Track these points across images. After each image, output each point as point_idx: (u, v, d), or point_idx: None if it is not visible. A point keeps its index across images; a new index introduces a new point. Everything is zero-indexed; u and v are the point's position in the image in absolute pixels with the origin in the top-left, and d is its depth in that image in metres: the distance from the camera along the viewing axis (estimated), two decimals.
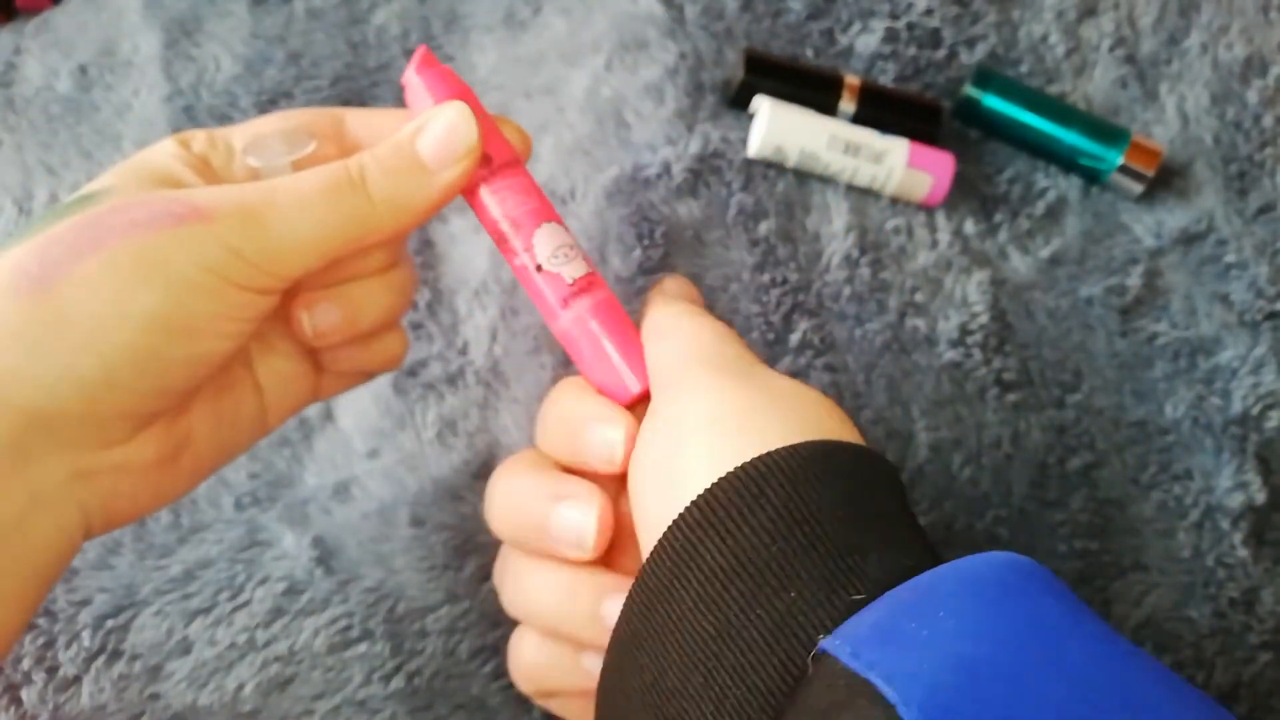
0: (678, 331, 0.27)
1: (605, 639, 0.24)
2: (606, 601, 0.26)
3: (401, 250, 0.29)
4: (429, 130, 0.26)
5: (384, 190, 0.25)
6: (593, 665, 0.27)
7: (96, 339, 0.22)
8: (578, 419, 0.27)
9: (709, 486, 0.22)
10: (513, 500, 0.28)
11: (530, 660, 0.29)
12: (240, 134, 0.28)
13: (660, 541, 0.23)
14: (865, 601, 0.20)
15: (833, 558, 0.21)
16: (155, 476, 0.25)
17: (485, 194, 0.27)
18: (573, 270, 0.27)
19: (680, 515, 0.23)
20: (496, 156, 0.27)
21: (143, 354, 0.23)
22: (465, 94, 0.27)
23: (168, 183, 0.25)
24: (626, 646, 0.23)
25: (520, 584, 0.28)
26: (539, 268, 0.27)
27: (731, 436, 0.24)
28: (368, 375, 0.32)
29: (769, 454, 0.23)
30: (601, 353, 0.27)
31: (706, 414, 0.25)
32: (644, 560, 0.23)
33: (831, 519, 0.22)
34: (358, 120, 0.29)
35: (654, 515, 0.24)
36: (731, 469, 0.22)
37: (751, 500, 0.22)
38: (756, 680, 0.20)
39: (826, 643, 0.20)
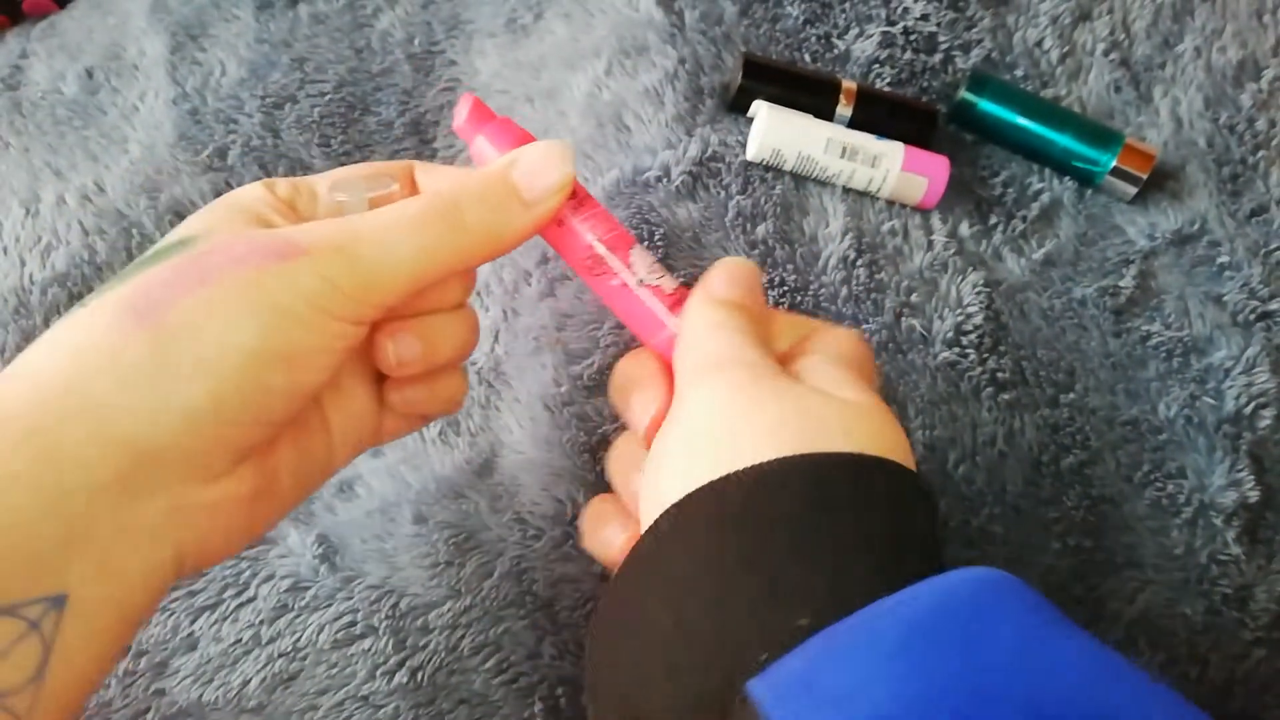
0: (703, 340, 0.27)
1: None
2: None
3: (469, 289, 0.30)
4: (524, 163, 0.27)
5: (480, 219, 0.26)
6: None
7: (203, 371, 0.23)
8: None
9: (679, 500, 0.23)
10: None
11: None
12: (322, 180, 0.29)
13: (634, 546, 0.24)
14: (806, 629, 0.20)
15: (771, 583, 0.21)
16: (246, 513, 0.25)
17: (576, 223, 0.28)
18: (669, 283, 0.29)
19: (652, 524, 0.24)
20: (575, 189, 0.28)
21: (248, 385, 0.23)
22: (528, 139, 0.28)
23: (258, 223, 0.26)
24: (605, 628, 0.25)
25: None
26: (641, 283, 0.29)
27: (710, 447, 0.24)
28: (427, 418, 0.32)
29: (732, 474, 0.23)
30: None
31: (700, 422, 0.25)
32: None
33: (782, 540, 0.22)
34: (425, 174, 0.30)
35: (644, 512, 0.25)
36: (700, 483, 0.23)
37: (709, 516, 0.23)
38: (704, 687, 0.21)
39: (753, 685, 0.20)
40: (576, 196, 0.28)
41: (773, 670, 0.20)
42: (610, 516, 0.29)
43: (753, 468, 0.23)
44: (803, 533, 0.22)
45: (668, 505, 0.24)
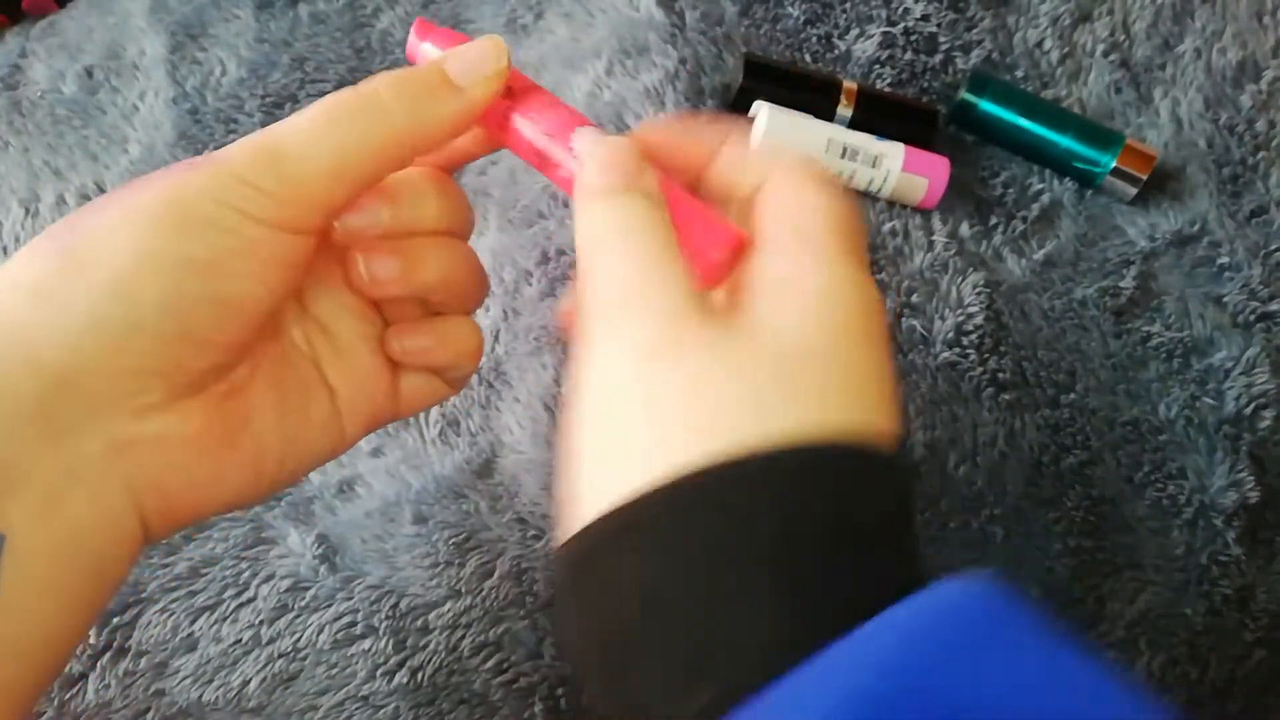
0: (599, 266, 0.23)
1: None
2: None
3: (457, 216, 0.28)
4: (457, 55, 0.26)
5: (404, 107, 0.24)
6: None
7: (118, 283, 0.22)
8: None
9: (584, 526, 0.20)
10: None
11: None
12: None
13: (560, 550, 0.22)
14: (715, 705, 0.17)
15: (692, 633, 0.19)
16: (210, 459, 0.24)
17: (517, 120, 0.26)
18: None
19: (571, 540, 0.21)
20: (516, 84, 0.27)
21: (165, 294, 0.22)
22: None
23: None
24: (564, 588, 0.22)
25: None
26: None
27: (618, 444, 0.21)
28: (443, 373, 0.30)
29: (648, 494, 0.20)
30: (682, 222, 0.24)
31: (604, 403, 0.22)
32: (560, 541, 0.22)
33: (697, 589, 0.19)
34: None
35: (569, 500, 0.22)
36: (616, 502, 0.20)
37: (623, 544, 0.20)
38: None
39: None
40: (520, 94, 0.26)
41: None
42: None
43: (663, 488, 0.19)
44: (712, 585, 0.19)
45: (584, 515, 0.20)
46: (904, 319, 0.41)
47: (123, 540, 0.23)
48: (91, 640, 0.35)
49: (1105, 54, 0.47)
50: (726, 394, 0.20)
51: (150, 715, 0.34)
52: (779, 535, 0.19)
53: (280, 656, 0.35)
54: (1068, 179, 0.45)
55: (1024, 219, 0.44)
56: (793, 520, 0.19)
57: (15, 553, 0.20)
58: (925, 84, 0.45)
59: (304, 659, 0.35)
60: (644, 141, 0.25)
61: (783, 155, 0.25)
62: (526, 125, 0.26)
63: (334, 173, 0.24)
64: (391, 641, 0.35)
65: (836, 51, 0.45)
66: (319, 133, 0.24)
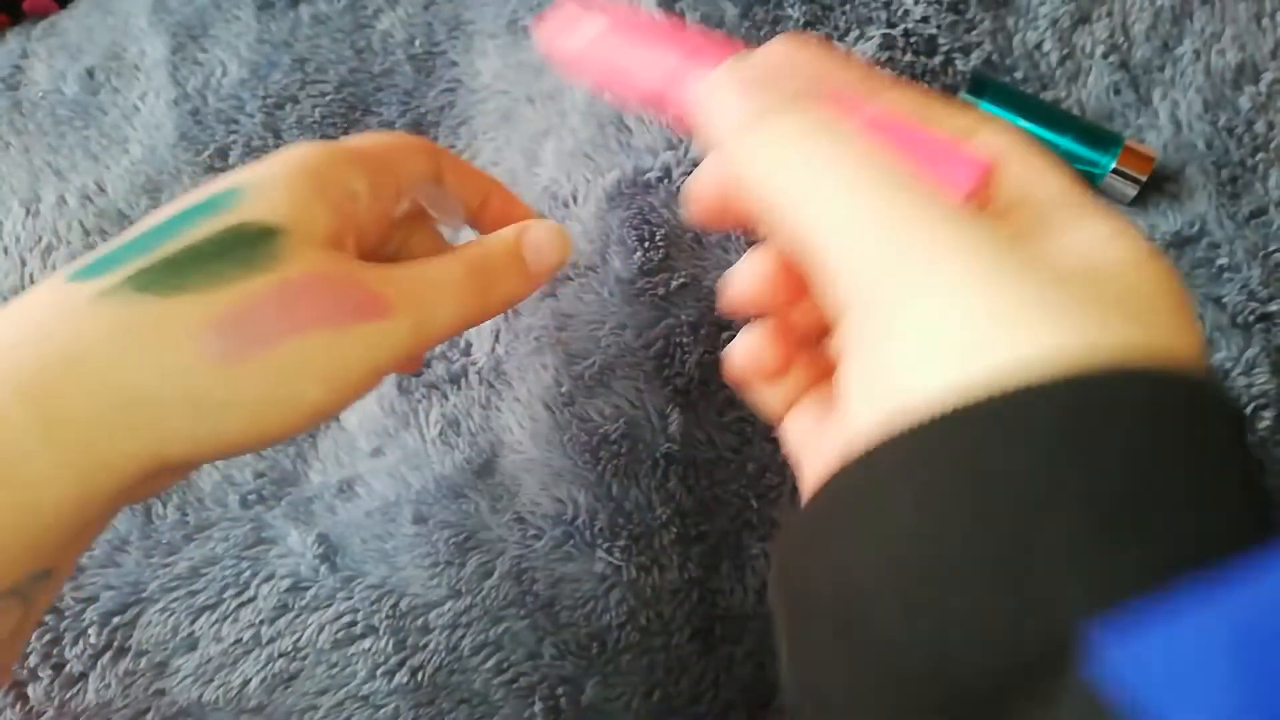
0: (834, 191, 0.19)
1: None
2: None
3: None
4: (532, 240, 0.28)
5: (503, 288, 0.27)
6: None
7: (258, 420, 0.23)
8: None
9: (941, 409, 0.17)
10: None
11: None
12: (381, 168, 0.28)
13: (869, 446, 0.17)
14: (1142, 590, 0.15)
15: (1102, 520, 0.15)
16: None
17: (626, 69, 0.25)
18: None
19: (896, 434, 0.17)
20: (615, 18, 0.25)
21: (276, 436, 0.24)
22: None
23: (337, 215, 0.25)
24: (813, 524, 0.19)
25: None
26: None
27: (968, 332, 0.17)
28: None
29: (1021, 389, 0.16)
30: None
31: (933, 330, 0.18)
32: (846, 437, 0.18)
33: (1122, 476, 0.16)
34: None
35: (860, 407, 0.19)
36: (977, 389, 0.16)
37: (1005, 427, 0.16)
38: (981, 641, 0.15)
39: (1097, 664, 0.14)
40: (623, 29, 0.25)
41: (1121, 650, 0.14)
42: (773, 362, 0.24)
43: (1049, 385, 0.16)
44: (1134, 477, 0.16)
45: (909, 413, 0.17)
46: None
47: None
48: (92, 640, 0.35)
49: (1104, 55, 0.47)
50: (1051, 296, 0.17)
51: (151, 715, 0.34)
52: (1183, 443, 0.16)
53: (280, 656, 0.35)
54: None
55: None
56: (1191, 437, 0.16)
57: (54, 578, 0.23)
58: (925, 85, 0.46)
59: (304, 658, 0.35)
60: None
61: (991, 121, 0.22)
62: (637, 73, 0.24)
63: (443, 339, 0.28)
64: (391, 641, 0.35)
65: None
66: (450, 303, 0.26)
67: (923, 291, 0.18)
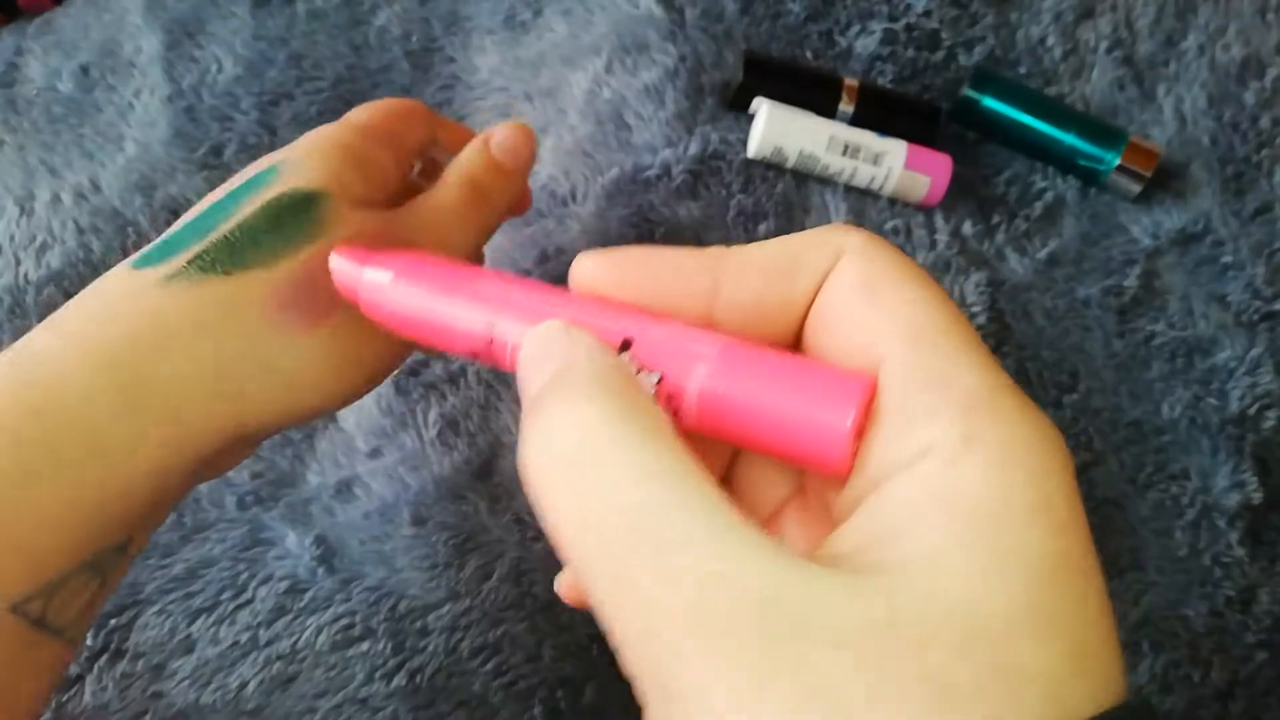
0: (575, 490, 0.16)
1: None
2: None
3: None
4: (498, 142, 0.30)
5: (494, 197, 0.29)
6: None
7: (322, 384, 0.25)
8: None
9: None
10: None
11: None
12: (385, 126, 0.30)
13: None
14: None
15: None
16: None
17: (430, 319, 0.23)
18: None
19: None
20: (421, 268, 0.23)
21: (348, 396, 0.26)
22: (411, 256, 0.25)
23: (365, 180, 0.27)
24: None
25: None
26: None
27: None
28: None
29: None
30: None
31: None
32: None
33: None
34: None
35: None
36: None
37: None
38: None
39: None
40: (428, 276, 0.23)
41: None
42: None
43: None
44: None
45: None
46: None
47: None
48: (89, 642, 0.35)
49: (1108, 50, 0.46)
50: (902, 694, 0.13)
51: (148, 717, 0.34)
52: None
53: (278, 658, 0.35)
54: (1071, 176, 0.44)
55: (1027, 217, 0.44)
56: None
57: (130, 550, 0.24)
58: (927, 81, 0.45)
59: (302, 661, 0.35)
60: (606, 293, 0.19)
61: (829, 238, 0.18)
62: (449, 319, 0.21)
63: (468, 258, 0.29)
64: (390, 643, 0.35)
65: (838, 48, 0.45)
66: (460, 227, 0.28)
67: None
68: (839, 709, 0.13)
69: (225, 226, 0.24)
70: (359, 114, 0.29)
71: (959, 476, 0.15)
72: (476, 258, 0.31)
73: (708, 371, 0.17)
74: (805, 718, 0.13)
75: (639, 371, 0.17)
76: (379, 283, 0.23)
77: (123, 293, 0.24)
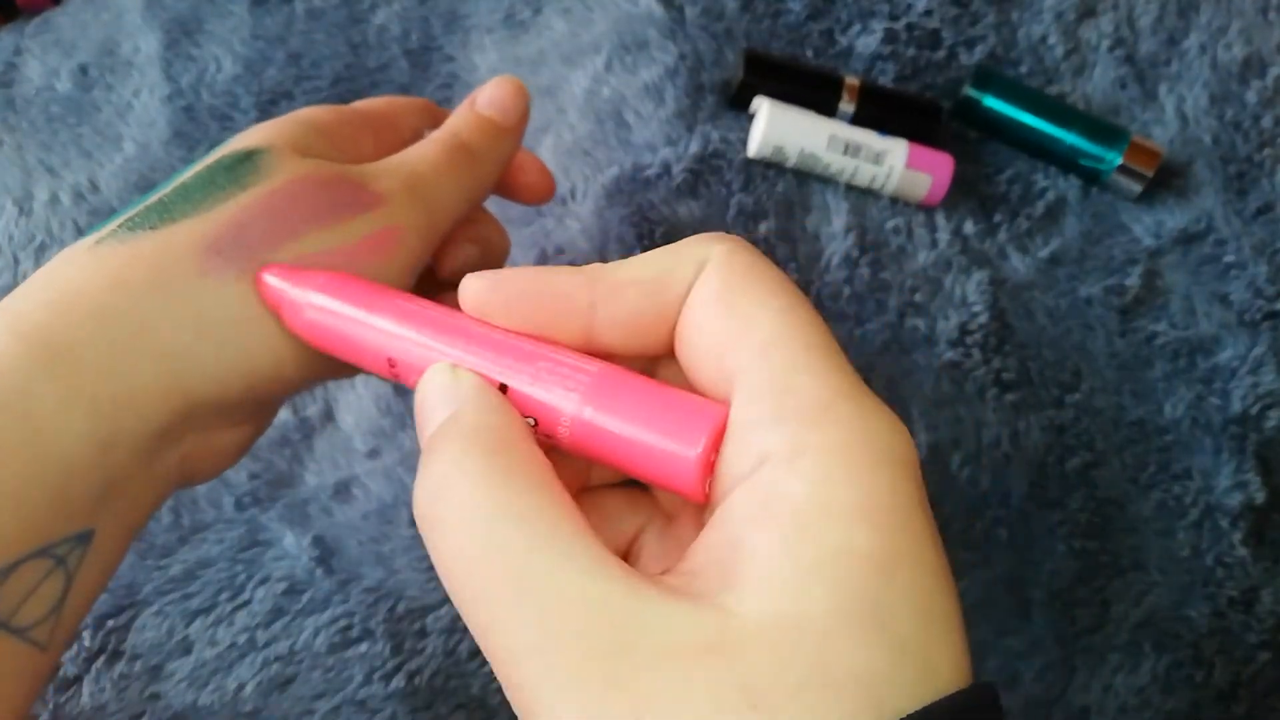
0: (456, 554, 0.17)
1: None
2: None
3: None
4: (486, 98, 0.28)
5: (486, 156, 0.27)
6: None
7: (270, 341, 0.22)
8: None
9: None
10: None
11: None
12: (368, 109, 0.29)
13: None
14: None
15: None
16: (244, 449, 0.25)
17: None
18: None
19: None
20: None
21: (306, 361, 0.23)
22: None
23: (327, 142, 0.25)
24: None
25: None
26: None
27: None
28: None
29: None
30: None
31: None
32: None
33: None
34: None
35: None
36: None
37: None
38: None
39: None
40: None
41: None
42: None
43: None
44: None
45: None
46: (907, 318, 0.41)
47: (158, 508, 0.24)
48: (86, 643, 0.34)
49: (1110, 49, 0.46)
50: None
51: (145, 719, 0.34)
52: None
53: (276, 660, 0.34)
54: (1073, 175, 0.44)
55: (1029, 216, 0.43)
56: None
57: (96, 544, 0.21)
58: (928, 80, 0.45)
59: (300, 662, 0.34)
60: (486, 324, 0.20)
61: (684, 253, 0.19)
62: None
63: (459, 215, 0.27)
64: (388, 645, 0.35)
65: (838, 47, 0.45)
66: (449, 179, 0.26)
67: None
68: None
69: (164, 191, 0.23)
70: (356, 103, 0.28)
71: (785, 483, 0.16)
72: (464, 217, 0.28)
73: (574, 409, 0.18)
74: None
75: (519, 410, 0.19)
76: (297, 303, 0.22)
77: (58, 262, 0.22)
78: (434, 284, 0.31)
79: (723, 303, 0.18)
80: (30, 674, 0.21)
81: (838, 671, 0.14)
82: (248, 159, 0.24)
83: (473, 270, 0.25)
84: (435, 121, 0.30)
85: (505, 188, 0.31)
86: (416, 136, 0.29)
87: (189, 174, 0.24)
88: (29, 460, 0.20)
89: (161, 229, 0.22)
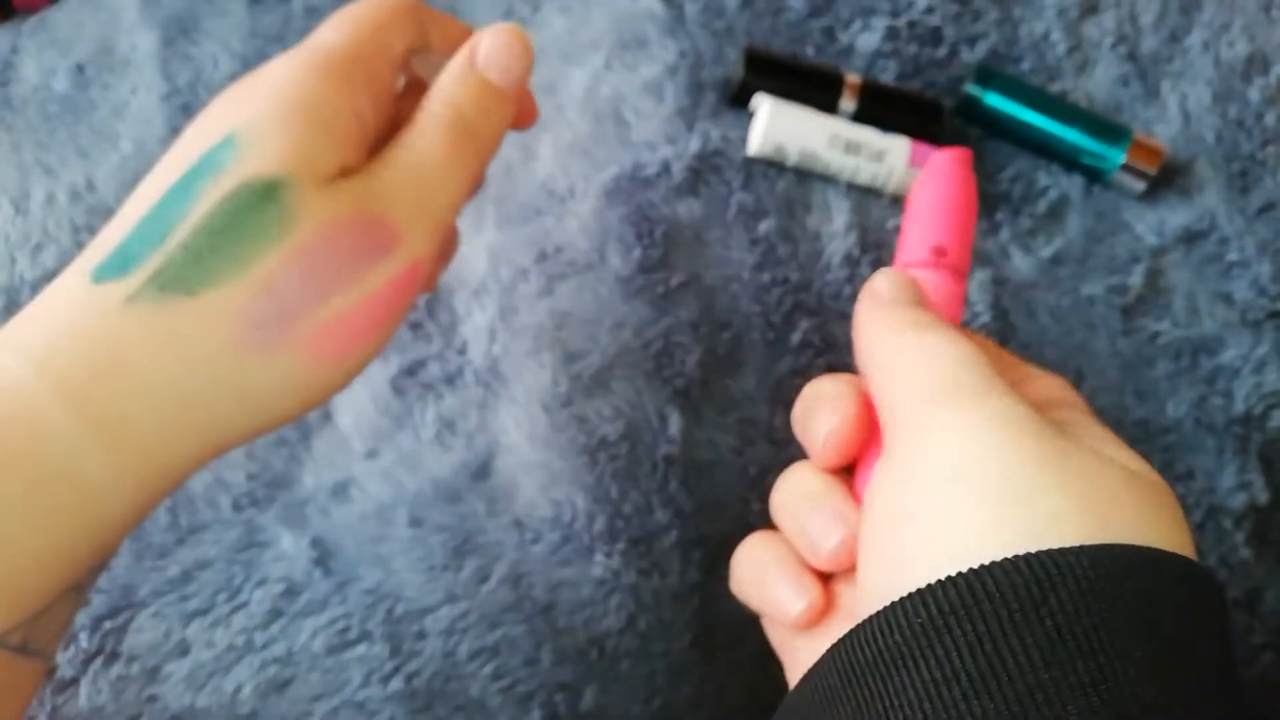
0: (912, 360, 0.23)
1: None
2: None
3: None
4: (484, 55, 0.26)
5: (487, 129, 0.26)
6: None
7: (308, 393, 0.23)
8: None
9: (951, 576, 0.18)
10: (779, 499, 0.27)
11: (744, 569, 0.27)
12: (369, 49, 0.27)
13: (878, 620, 0.19)
14: None
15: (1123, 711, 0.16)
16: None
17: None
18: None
19: (904, 601, 0.19)
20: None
21: (321, 400, 0.24)
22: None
23: (335, 146, 0.24)
24: (815, 704, 0.20)
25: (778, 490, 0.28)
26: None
27: (981, 504, 0.19)
28: None
29: (1051, 552, 0.18)
30: None
31: (957, 467, 0.20)
32: (857, 623, 0.20)
33: (1130, 662, 0.17)
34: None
35: (876, 574, 0.21)
36: (983, 561, 0.18)
37: (1021, 606, 0.17)
38: None
39: None
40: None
41: None
42: (778, 565, 0.25)
43: (1058, 553, 0.18)
44: (1151, 663, 0.17)
45: (926, 577, 0.18)
46: None
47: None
48: (84, 645, 0.34)
49: (1112, 46, 0.46)
50: (1093, 493, 0.20)
51: None
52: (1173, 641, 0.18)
53: (274, 662, 0.34)
54: (1075, 174, 0.44)
55: (1031, 214, 0.43)
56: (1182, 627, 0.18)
57: (105, 564, 0.24)
58: (930, 77, 0.45)
59: (298, 664, 0.34)
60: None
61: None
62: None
63: (460, 206, 0.26)
64: (387, 646, 0.34)
65: (839, 44, 0.45)
66: (450, 173, 0.25)
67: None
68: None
69: (184, 229, 0.22)
70: (329, 34, 0.25)
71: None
72: (470, 196, 0.27)
73: None
74: None
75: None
76: None
77: (85, 314, 0.22)
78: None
79: None
80: (38, 683, 0.23)
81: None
82: (270, 199, 0.22)
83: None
84: (426, 32, 0.27)
85: None
86: (405, 60, 0.27)
87: (208, 203, 0.22)
88: (76, 528, 0.21)
89: (197, 295, 0.22)
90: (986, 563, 0.18)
